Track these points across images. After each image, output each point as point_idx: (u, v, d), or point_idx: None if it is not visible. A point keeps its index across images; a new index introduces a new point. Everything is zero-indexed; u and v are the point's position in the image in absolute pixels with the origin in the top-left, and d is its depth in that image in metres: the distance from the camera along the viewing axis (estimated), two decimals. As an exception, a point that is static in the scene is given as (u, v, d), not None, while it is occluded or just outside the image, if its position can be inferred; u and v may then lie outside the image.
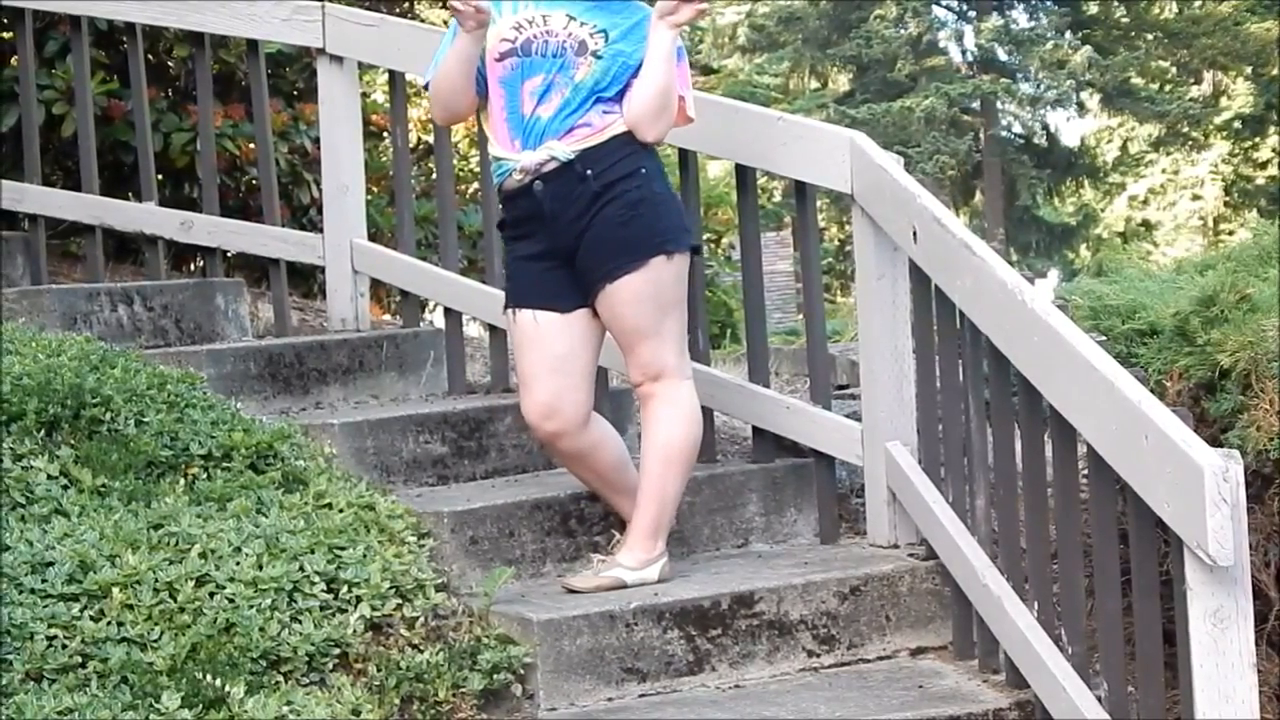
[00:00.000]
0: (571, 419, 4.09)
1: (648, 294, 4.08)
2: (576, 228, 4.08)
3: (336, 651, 3.56)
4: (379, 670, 3.55)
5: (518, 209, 4.12)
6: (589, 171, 4.05)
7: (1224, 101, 34.26)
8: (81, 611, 3.43)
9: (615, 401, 4.83)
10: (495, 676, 3.64)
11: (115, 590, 3.47)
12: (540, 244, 4.11)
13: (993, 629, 3.76)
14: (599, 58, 4.08)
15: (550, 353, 4.09)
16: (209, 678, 3.28)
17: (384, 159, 7.77)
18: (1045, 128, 33.37)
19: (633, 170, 4.08)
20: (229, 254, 6.09)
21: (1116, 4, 31.95)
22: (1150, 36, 31.89)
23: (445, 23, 4.07)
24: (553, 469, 4.64)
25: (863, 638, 4.04)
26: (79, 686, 3.27)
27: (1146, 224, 38.24)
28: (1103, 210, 37.57)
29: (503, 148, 4.13)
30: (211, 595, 3.55)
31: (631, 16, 4.15)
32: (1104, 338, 5.60)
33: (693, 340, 4.71)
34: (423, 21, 8.47)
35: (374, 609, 3.66)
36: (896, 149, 9.18)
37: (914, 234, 4.00)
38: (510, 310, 4.17)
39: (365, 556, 3.76)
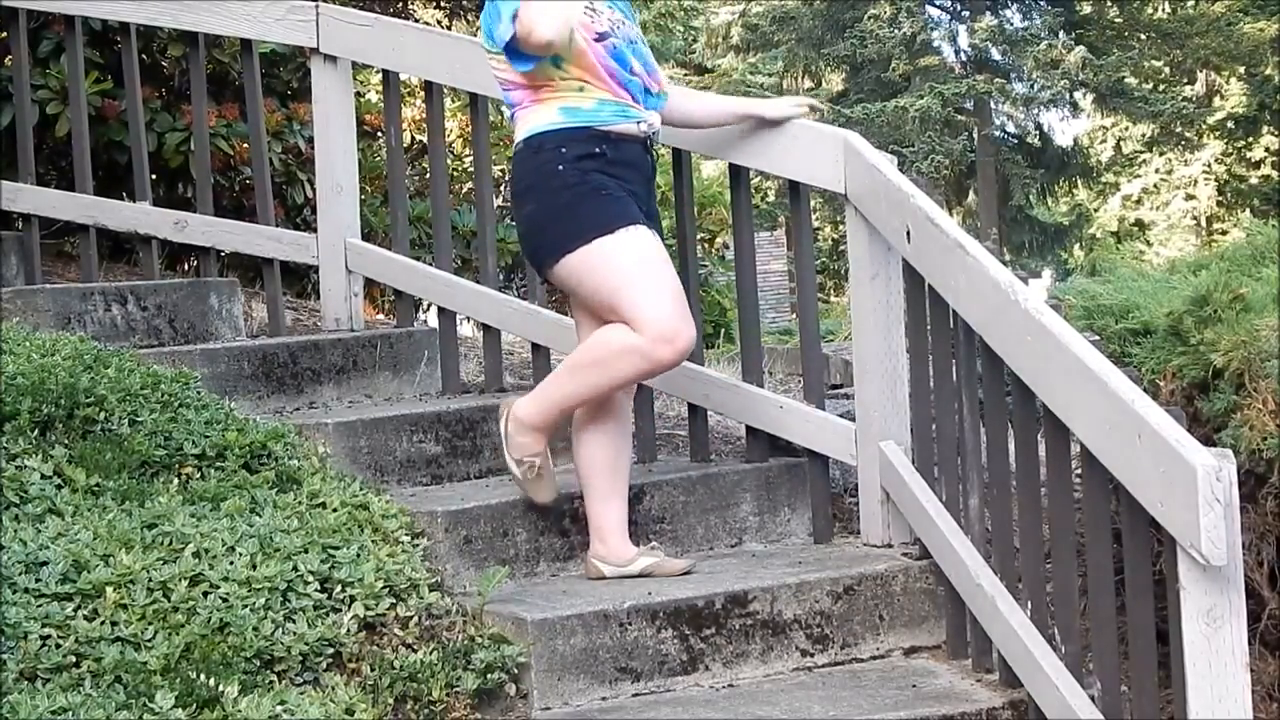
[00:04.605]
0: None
1: None
2: (651, 197, 4.30)
3: (330, 651, 3.56)
4: (373, 670, 3.55)
5: (624, 153, 4.18)
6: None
7: (1217, 101, 34.32)
8: (75, 611, 3.43)
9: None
10: (489, 676, 3.64)
11: (109, 590, 3.47)
12: (636, 195, 4.19)
13: (986, 628, 3.76)
14: (647, 49, 4.36)
15: (672, 271, 4.15)
16: (203, 677, 3.28)
17: (378, 159, 7.77)
18: (1039, 127, 33.38)
19: None
20: (223, 254, 6.09)
21: (1110, 4, 31.96)
22: (1144, 36, 31.89)
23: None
24: (547, 468, 4.63)
25: (856, 637, 4.05)
26: (73, 686, 3.27)
27: (1140, 224, 38.33)
28: (1096, 210, 37.65)
29: (620, 98, 4.18)
30: (205, 595, 3.55)
31: (635, 18, 4.40)
32: (1097, 337, 5.61)
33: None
34: (417, 21, 8.48)
35: (368, 608, 3.66)
36: (891, 149, 9.21)
37: (908, 234, 4.00)
38: (621, 228, 4.07)
39: (359, 556, 3.77)
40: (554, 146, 4.12)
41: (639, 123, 4.19)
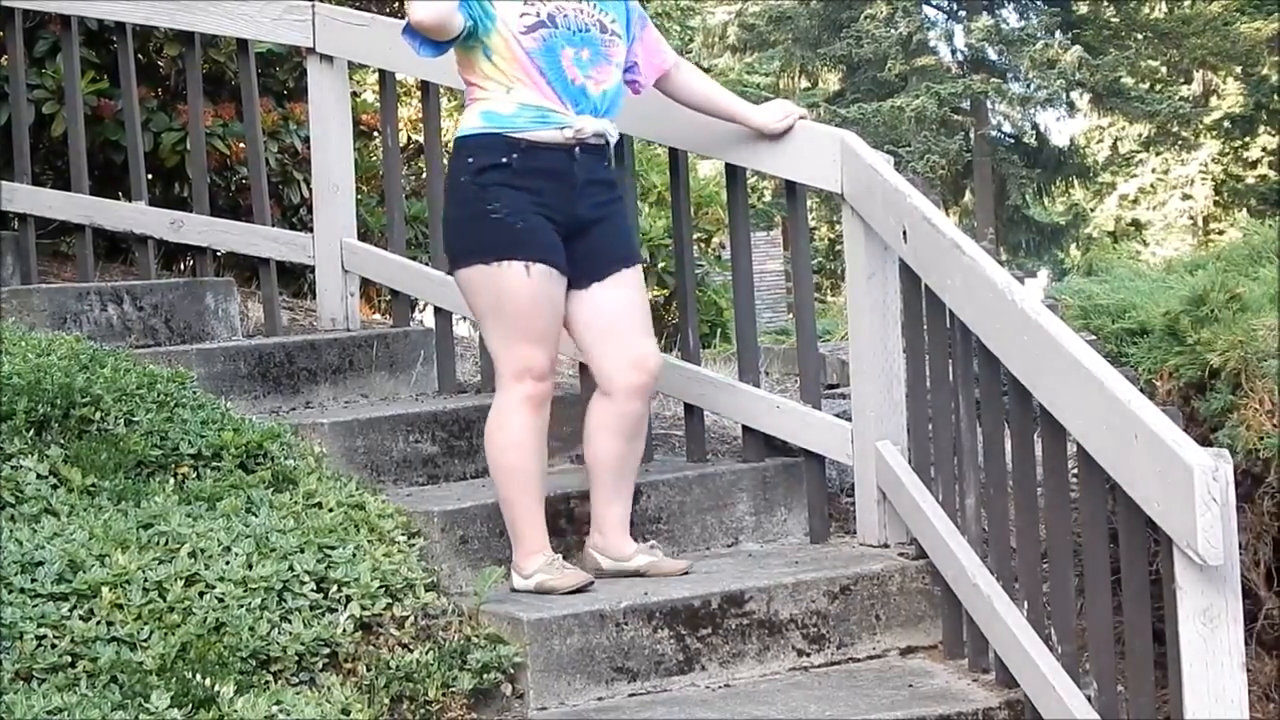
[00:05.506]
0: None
1: (642, 291, 4.25)
2: (596, 205, 4.12)
3: (326, 651, 3.55)
4: (369, 670, 3.55)
5: (542, 161, 4.02)
6: (608, 162, 4.19)
7: (1214, 101, 34.34)
8: (71, 611, 3.42)
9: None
10: (485, 676, 3.64)
11: (105, 590, 3.47)
12: (549, 205, 4.04)
13: (982, 628, 3.76)
14: (622, 39, 4.19)
15: (559, 315, 4.07)
16: (198, 677, 3.28)
17: (374, 158, 7.76)
18: (1035, 127, 33.43)
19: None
20: (219, 253, 6.08)
21: (1106, 4, 32.00)
22: (1140, 36, 31.93)
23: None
24: (543, 468, 4.63)
25: (853, 637, 4.04)
26: (68, 686, 3.26)
27: (1136, 223, 38.33)
28: (1093, 210, 37.63)
29: (547, 100, 4.02)
30: (201, 595, 3.54)
31: (622, 6, 4.24)
32: (1094, 337, 5.62)
33: (683, 339, 4.72)
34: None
35: (364, 608, 3.66)
36: (887, 148, 9.20)
37: (904, 233, 4.00)
38: (496, 260, 3.98)
39: (355, 556, 3.76)
40: (465, 155, 4.06)
41: (562, 129, 4.01)
